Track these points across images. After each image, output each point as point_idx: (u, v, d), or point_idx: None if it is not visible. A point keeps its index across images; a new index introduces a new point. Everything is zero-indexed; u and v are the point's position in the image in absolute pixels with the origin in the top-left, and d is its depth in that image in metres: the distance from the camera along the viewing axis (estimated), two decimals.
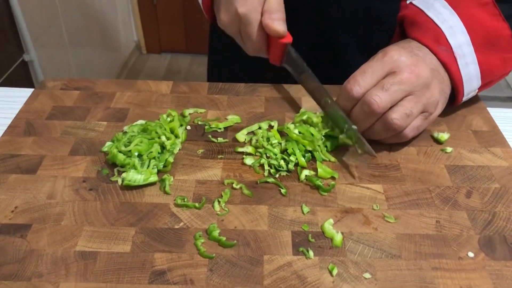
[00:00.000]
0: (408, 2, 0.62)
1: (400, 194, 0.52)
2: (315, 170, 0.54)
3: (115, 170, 0.53)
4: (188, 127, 0.61)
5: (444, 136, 0.59)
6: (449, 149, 0.58)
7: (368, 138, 0.55)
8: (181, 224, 0.48)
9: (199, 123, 0.61)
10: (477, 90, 0.60)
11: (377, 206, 0.50)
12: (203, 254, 0.44)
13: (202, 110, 0.64)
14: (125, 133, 0.58)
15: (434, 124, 0.62)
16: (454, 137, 0.60)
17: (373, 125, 0.54)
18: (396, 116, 0.52)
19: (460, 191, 0.52)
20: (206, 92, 0.68)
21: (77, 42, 2.04)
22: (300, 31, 0.77)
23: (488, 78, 0.59)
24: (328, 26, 0.76)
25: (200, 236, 0.46)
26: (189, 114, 0.63)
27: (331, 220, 0.48)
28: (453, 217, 0.49)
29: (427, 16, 0.58)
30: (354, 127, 0.54)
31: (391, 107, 0.52)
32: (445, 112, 0.64)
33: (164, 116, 0.60)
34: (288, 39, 0.58)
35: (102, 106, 0.64)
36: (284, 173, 0.54)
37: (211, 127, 0.60)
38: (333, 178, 0.53)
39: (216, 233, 0.46)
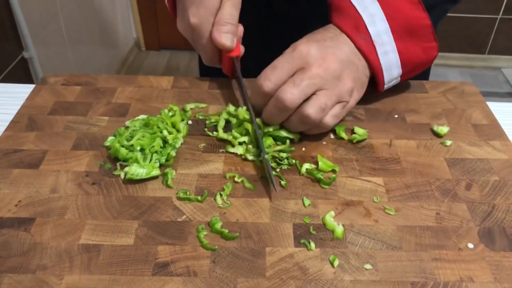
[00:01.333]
0: None
1: (400, 187, 0.52)
2: (316, 163, 0.54)
3: (118, 164, 0.54)
4: (190, 122, 0.61)
5: (443, 129, 0.59)
6: (448, 142, 0.58)
7: (290, 131, 0.57)
8: (184, 217, 0.48)
9: (200, 117, 0.62)
10: (399, 78, 0.61)
11: (377, 198, 0.50)
12: (206, 246, 0.45)
13: (203, 105, 0.64)
14: (127, 127, 0.58)
15: (434, 118, 0.62)
16: (454, 131, 0.60)
17: (289, 119, 0.55)
18: (311, 110, 0.53)
19: (459, 183, 0.53)
20: (207, 87, 0.68)
21: (76, 39, 2.04)
22: (272, 22, 0.78)
23: (408, 66, 0.60)
24: (301, 17, 0.76)
25: (202, 229, 0.46)
26: (190, 109, 0.63)
27: (332, 213, 0.49)
28: (453, 209, 0.49)
29: (350, 1, 0.58)
30: (266, 156, 0.53)
31: (304, 101, 0.53)
32: (444, 106, 0.65)
33: (166, 111, 0.61)
34: (236, 52, 0.58)
35: (103, 101, 0.64)
36: (285, 167, 0.54)
37: (212, 122, 0.61)
38: (333, 171, 0.54)
39: (218, 225, 0.47)
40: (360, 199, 0.50)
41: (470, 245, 0.46)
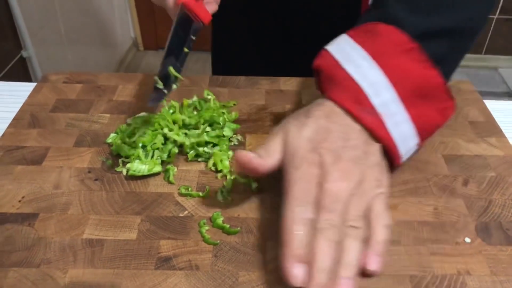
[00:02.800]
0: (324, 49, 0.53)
1: (399, 183, 0.53)
2: None
3: (120, 161, 0.54)
4: None
5: None
6: (446, 139, 0.59)
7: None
8: (186, 212, 0.49)
9: None
10: (417, 147, 0.51)
11: None
12: (208, 241, 0.46)
13: None
14: (129, 125, 0.59)
15: None
16: (451, 128, 0.61)
17: None
18: (350, 259, 0.40)
19: (457, 179, 0.53)
20: (207, 85, 0.69)
21: (75, 38, 2.05)
22: (267, 19, 0.79)
23: (425, 132, 0.51)
24: (293, 14, 0.77)
25: (204, 224, 0.47)
26: None
27: None
28: (450, 204, 0.50)
29: (344, 70, 0.49)
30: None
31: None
32: None
33: (167, 108, 0.61)
34: None
35: (105, 99, 0.65)
36: None
37: None
38: None
39: (220, 220, 0.47)
40: None
41: (467, 240, 0.46)
